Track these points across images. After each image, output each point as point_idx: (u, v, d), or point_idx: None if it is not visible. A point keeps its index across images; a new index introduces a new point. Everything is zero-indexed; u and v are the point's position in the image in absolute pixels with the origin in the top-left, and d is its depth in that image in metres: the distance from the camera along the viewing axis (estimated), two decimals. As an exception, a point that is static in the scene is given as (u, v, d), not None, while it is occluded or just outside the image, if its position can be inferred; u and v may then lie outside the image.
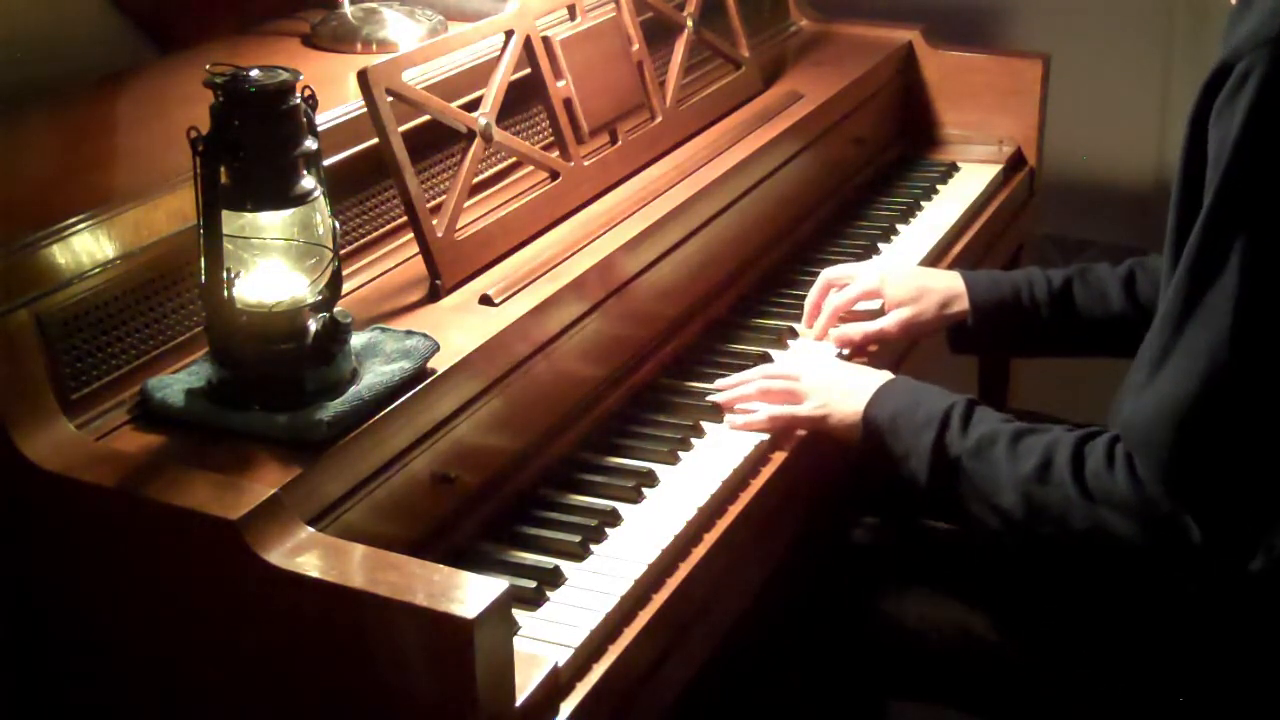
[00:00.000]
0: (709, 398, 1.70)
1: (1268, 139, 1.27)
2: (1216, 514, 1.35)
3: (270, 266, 1.34)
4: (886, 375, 1.64)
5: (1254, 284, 1.28)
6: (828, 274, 1.89)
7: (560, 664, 1.25)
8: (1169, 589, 1.47)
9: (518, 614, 1.31)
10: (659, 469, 1.58)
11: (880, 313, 1.86)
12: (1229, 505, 1.35)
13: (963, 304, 1.83)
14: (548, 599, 1.36)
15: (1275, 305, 1.29)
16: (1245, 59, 1.27)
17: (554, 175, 1.79)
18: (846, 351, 1.83)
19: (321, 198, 1.35)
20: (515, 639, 1.23)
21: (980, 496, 1.48)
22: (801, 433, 1.66)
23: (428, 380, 1.40)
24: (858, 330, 1.83)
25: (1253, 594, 1.40)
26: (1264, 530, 1.36)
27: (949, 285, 1.84)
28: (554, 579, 1.39)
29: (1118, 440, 1.40)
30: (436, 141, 1.73)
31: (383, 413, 1.35)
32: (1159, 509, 1.36)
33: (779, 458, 1.63)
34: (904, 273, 1.88)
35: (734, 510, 1.54)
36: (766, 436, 1.63)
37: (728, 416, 1.66)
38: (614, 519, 1.49)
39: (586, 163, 1.84)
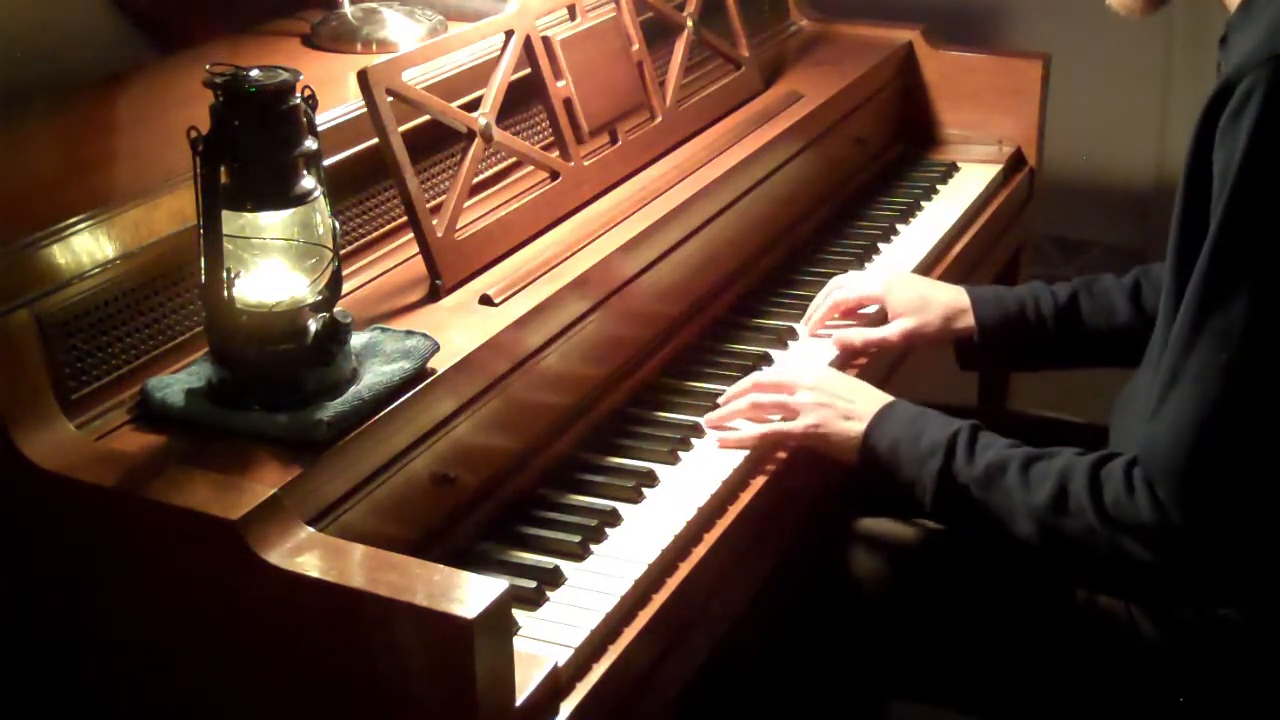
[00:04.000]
0: (704, 419, 1.67)
1: (1273, 158, 1.27)
2: (1238, 535, 1.34)
3: (270, 266, 1.34)
4: (884, 398, 1.62)
5: (1264, 304, 1.28)
6: (835, 281, 1.89)
7: (560, 664, 1.25)
8: (1169, 593, 1.47)
9: (518, 614, 1.31)
10: (659, 469, 1.58)
11: (882, 319, 1.86)
12: (1249, 526, 1.35)
13: (967, 320, 1.82)
14: (548, 599, 1.36)
15: None
16: (1248, 78, 1.28)
17: (554, 175, 1.79)
18: (836, 353, 1.83)
19: (321, 198, 1.35)
20: (515, 639, 1.24)
21: (991, 525, 1.48)
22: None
23: (428, 380, 1.40)
24: (859, 335, 1.83)
25: (1256, 597, 1.40)
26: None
27: (953, 299, 1.83)
28: (554, 579, 1.39)
29: (1134, 464, 1.39)
30: (436, 141, 1.73)
31: (383, 413, 1.35)
32: (1182, 534, 1.35)
33: (779, 458, 1.63)
34: (908, 282, 1.88)
35: (734, 510, 1.54)
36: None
37: (718, 436, 1.63)
38: (614, 519, 1.49)
39: (586, 163, 1.84)
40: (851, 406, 1.61)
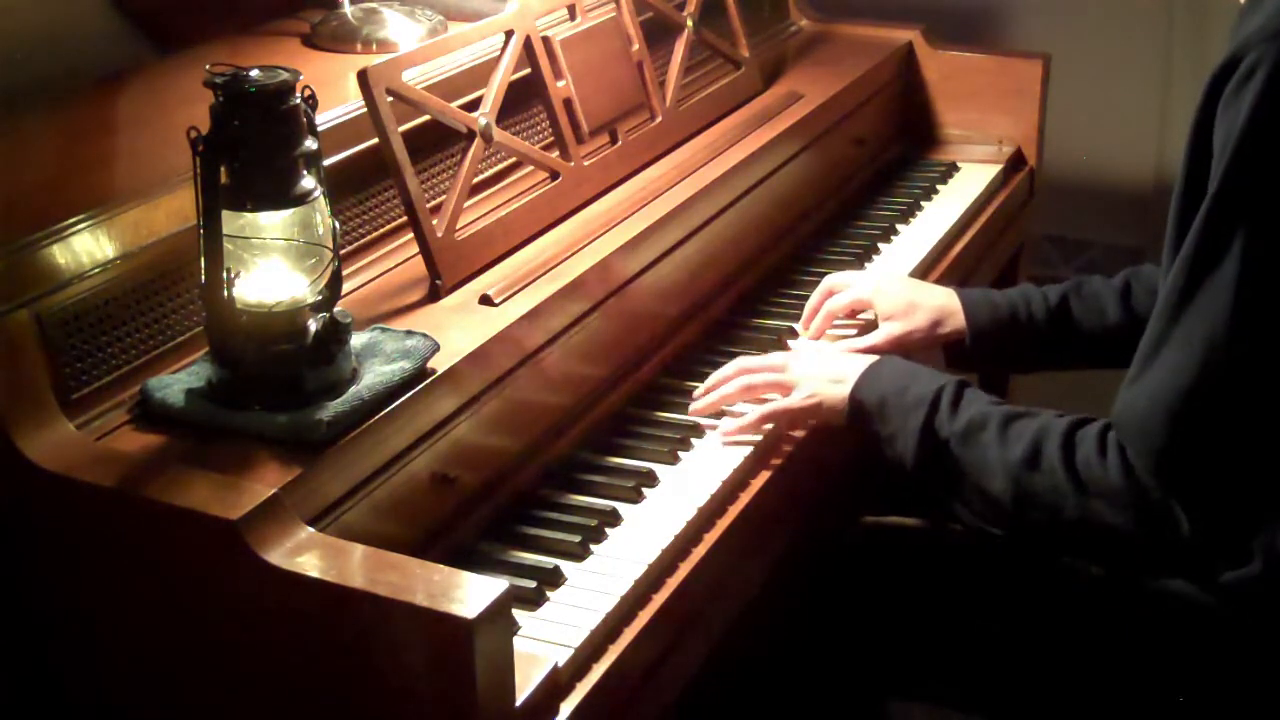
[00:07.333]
0: (690, 408, 1.68)
1: (1274, 131, 1.27)
2: (1207, 506, 1.35)
3: (270, 266, 1.34)
4: (873, 358, 1.65)
5: (1254, 276, 1.29)
6: (829, 280, 1.90)
7: (560, 664, 1.25)
8: (1168, 589, 1.47)
9: (518, 614, 1.31)
10: (659, 469, 1.58)
11: (872, 325, 1.86)
12: (1220, 497, 1.35)
13: (957, 323, 1.82)
14: (548, 599, 1.37)
15: (1274, 297, 1.29)
16: (1253, 52, 1.28)
17: (554, 175, 1.79)
18: None
19: (321, 198, 1.35)
20: (515, 639, 1.24)
21: (968, 481, 1.49)
22: (799, 433, 1.65)
23: (428, 380, 1.40)
24: (848, 347, 1.83)
25: (1253, 593, 1.40)
26: (1255, 524, 1.36)
27: (942, 303, 1.83)
28: (554, 579, 1.39)
29: (1110, 428, 1.40)
30: (436, 141, 1.73)
31: (383, 413, 1.35)
32: (1149, 499, 1.36)
33: (779, 458, 1.63)
34: (897, 286, 1.87)
35: (734, 510, 1.54)
36: (763, 436, 1.63)
37: (719, 430, 1.63)
38: (614, 519, 1.49)
39: (586, 163, 1.84)
40: (843, 371, 1.63)
